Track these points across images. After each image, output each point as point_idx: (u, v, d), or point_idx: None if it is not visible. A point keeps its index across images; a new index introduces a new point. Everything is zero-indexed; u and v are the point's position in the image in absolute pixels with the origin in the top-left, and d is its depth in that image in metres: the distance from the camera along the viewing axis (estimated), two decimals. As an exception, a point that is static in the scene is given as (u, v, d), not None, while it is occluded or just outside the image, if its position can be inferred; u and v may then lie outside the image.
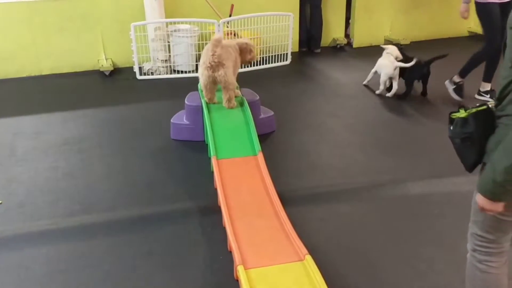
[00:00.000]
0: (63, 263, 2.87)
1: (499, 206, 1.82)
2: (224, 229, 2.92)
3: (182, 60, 5.97)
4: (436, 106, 5.10)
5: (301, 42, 7.05)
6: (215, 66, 3.84)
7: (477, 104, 1.93)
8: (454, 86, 5.17)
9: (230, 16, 6.11)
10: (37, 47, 6.01)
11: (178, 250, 2.97)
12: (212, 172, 3.48)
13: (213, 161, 3.46)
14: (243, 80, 4.62)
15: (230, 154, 3.56)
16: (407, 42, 7.15)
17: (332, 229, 3.16)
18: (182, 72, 5.98)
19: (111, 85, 5.81)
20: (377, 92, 5.39)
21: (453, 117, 1.98)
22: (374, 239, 3.06)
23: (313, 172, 3.86)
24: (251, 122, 3.84)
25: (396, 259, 2.88)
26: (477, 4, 4.83)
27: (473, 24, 7.66)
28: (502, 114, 1.83)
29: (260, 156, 3.51)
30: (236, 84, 4.16)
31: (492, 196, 1.80)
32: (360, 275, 2.75)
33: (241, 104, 4.12)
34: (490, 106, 1.91)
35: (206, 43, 4.07)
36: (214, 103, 4.08)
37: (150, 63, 6.00)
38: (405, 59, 5.24)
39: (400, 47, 5.57)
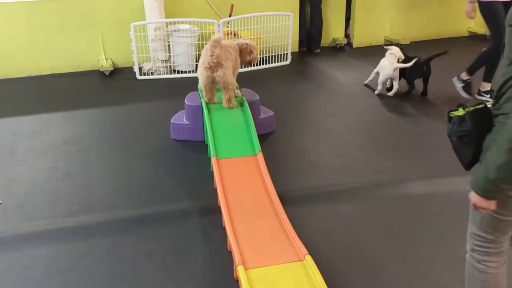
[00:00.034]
0: (63, 263, 2.87)
1: (492, 204, 1.83)
2: (224, 229, 2.92)
3: (182, 60, 5.97)
4: (436, 106, 5.10)
5: (301, 42, 7.06)
6: (214, 66, 3.84)
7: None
8: (463, 84, 5.15)
9: (230, 16, 6.11)
10: (37, 47, 6.01)
11: (178, 250, 2.97)
12: (212, 172, 3.48)
13: (213, 161, 3.46)
14: (243, 80, 4.62)
15: (230, 154, 3.56)
16: (407, 42, 7.15)
17: (332, 229, 3.16)
18: (182, 72, 5.98)
19: (111, 85, 5.81)
20: (376, 92, 5.39)
21: (452, 115, 1.99)
22: (374, 239, 3.06)
23: (313, 172, 3.86)
24: (251, 122, 3.84)
25: (396, 259, 2.88)
26: (480, 3, 4.81)
27: (473, 24, 7.67)
28: (499, 112, 1.83)
29: (260, 156, 3.51)
30: (236, 84, 4.16)
31: (485, 193, 1.81)
32: (360, 275, 2.75)
33: (241, 104, 4.12)
34: (488, 105, 1.92)
35: (206, 43, 4.07)
36: (214, 103, 4.08)
37: (150, 63, 6.00)
38: (406, 59, 5.25)
39: (400, 47, 5.56)
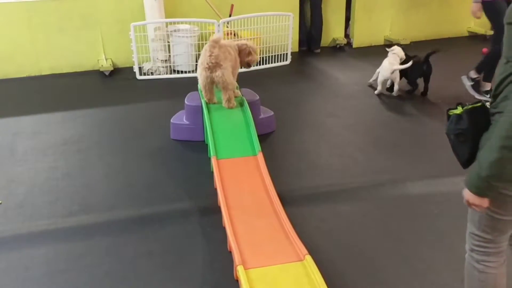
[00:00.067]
0: (63, 263, 2.87)
1: (484, 202, 1.84)
2: (224, 229, 2.92)
3: (182, 60, 5.97)
4: (436, 106, 5.09)
5: (301, 42, 7.06)
6: (212, 66, 3.84)
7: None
8: (472, 83, 5.14)
9: (230, 16, 6.11)
10: (37, 47, 6.01)
11: (178, 250, 2.97)
12: (212, 172, 3.48)
13: (213, 161, 3.45)
14: (243, 80, 4.62)
15: (230, 154, 3.56)
16: (407, 42, 7.15)
17: (332, 229, 3.16)
18: (182, 72, 5.98)
19: (111, 85, 5.81)
20: (376, 92, 5.39)
21: (450, 113, 2.00)
22: (374, 239, 3.06)
23: (313, 172, 3.86)
24: (251, 122, 3.83)
25: (396, 259, 2.88)
26: (484, 3, 4.80)
27: (473, 24, 7.67)
28: (495, 111, 1.83)
29: (260, 156, 3.51)
30: (236, 84, 4.15)
31: (478, 191, 1.82)
32: (359, 275, 2.75)
33: (241, 104, 4.11)
34: (486, 104, 1.92)
35: (206, 43, 4.07)
36: (213, 103, 4.08)
37: (150, 63, 6.00)
38: (407, 59, 5.25)
39: (402, 47, 5.56)
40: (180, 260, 2.88)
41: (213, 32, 5.66)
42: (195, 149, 4.14)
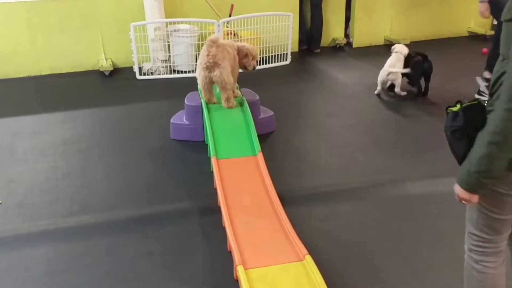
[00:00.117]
0: (63, 263, 2.87)
1: (474, 198, 1.87)
2: (224, 229, 2.92)
3: (182, 60, 5.97)
4: (436, 106, 5.09)
5: (301, 42, 7.05)
6: (210, 66, 3.84)
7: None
8: (487, 83, 5.14)
9: (230, 16, 6.11)
10: (37, 47, 6.01)
11: (178, 250, 2.97)
12: (212, 172, 3.48)
13: (213, 161, 3.45)
14: (243, 80, 4.61)
15: (230, 154, 3.56)
16: (407, 42, 7.13)
17: (332, 229, 3.16)
18: (182, 72, 5.98)
19: (111, 85, 5.81)
20: (376, 92, 5.39)
21: (448, 111, 2.00)
22: (373, 239, 3.06)
23: (313, 172, 3.85)
24: (251, 122, 3.83)
25: (396, 259, 2.88)
26: (491, 2, 4.79)
27: (473, 24, 7.67)
28: (491, 109, 1.83)
29: (260, 156, 3.51)
30: (236, 84, 4.15)
31: (468, 187, 1.84)
32: (359, 275, 2.75)
33: (241, 104, 4.11)
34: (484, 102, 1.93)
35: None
36: (213, 103, 4.08)
37: (150, 63, 6.00)
38: (409, 58, 5.24)
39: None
40: (180, 260, 2.88)
41: (213, 32, 5.66)
42: (195, 149, 4.14)
